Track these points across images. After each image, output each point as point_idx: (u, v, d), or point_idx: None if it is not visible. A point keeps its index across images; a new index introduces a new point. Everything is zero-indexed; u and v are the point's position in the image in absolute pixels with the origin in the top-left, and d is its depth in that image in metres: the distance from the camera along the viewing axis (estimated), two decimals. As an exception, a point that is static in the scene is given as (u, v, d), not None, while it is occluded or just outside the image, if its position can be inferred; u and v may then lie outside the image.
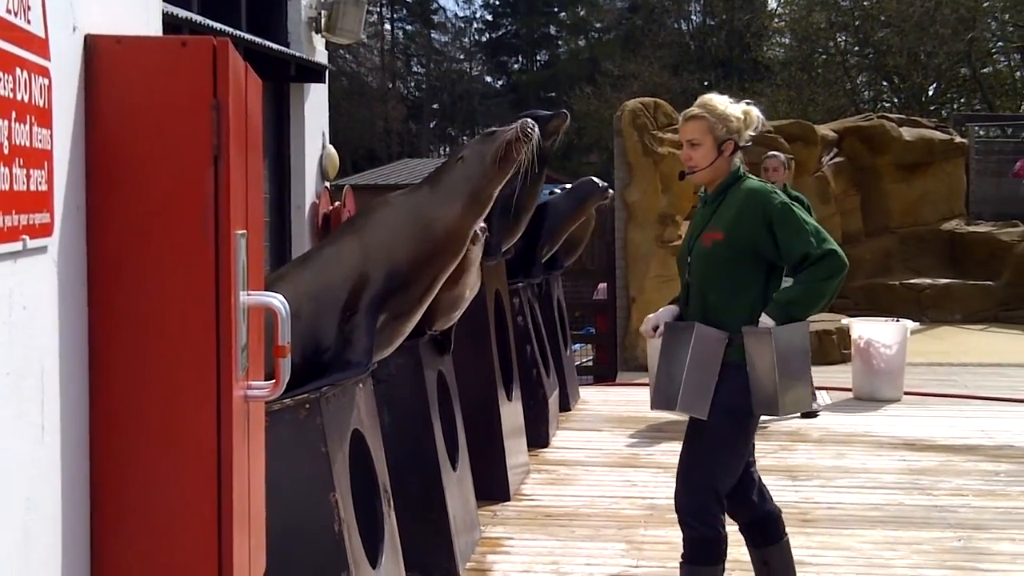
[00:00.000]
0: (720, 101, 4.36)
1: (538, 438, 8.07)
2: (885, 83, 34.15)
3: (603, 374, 13.44)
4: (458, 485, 5.67)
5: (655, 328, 4.37)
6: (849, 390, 10.29)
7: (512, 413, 7.09)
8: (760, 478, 4.51)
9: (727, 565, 4.31)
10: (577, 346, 14.04)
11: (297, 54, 8.19)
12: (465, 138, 48.37)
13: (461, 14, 57.84)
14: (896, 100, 32.65)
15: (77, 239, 2.55)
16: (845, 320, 11.23)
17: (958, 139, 16.50)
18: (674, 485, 4.34)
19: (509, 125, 4.52)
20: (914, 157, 15.78)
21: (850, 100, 32.62)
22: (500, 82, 51.74)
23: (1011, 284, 14.96)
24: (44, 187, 2.36)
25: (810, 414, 9.16)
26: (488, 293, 6.66)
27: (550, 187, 9.32)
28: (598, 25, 49.11)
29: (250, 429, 2.86)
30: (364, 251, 4.38)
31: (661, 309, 4.44)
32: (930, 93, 32.57)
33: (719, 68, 39.10)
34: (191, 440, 2.60)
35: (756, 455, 4.48)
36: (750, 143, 4.41)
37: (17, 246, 2.22)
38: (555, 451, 8.17)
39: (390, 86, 47.07)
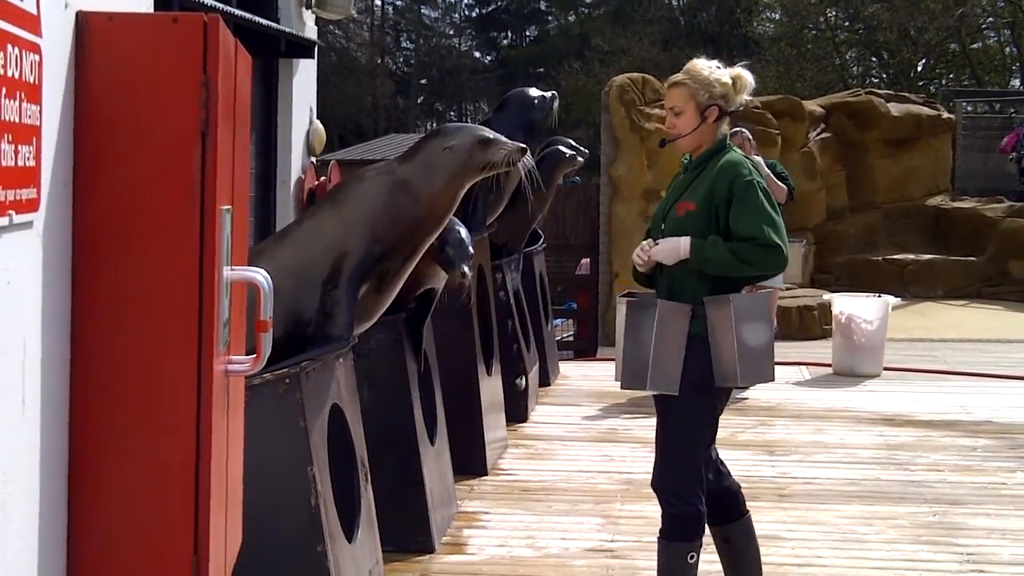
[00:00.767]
0: (705, 66, 4.25)
1: (517, 413, 8.08)
2: (874, 59, 34.14)
3: (584, 349, 13.46)
4: (436, 459, 5.69)
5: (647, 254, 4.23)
6: (829, 365, 10.35)
7: (491, 388, 7.10)
8: (718, 454, 4.45)
9: (703, 540, 4.26)
10: (558, 321, 14.05)
11: (287, 30, 8.18)
12: (452, 114, 48.20)
13: (452, -11, 57.56)
14: (885, 76, 32.63)
15: (63, 214, 2.57)
16: (827, 295, 11.29)
17: (946, 115, 16.51)
18: (652, 460, 4.30)
19: (511, 143, 4.58)
20: (902, 133, 15.78)
21: (839, 76, 32.56)
22: (489, 57, 51.52)
23: (994, 260, 14.97)
24: (32, 163, 2.37)
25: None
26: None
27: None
28: (588, 0, 48.91)
29: (230, 404, 2.89)
30: (345, 225, 4.44)
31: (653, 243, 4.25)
32: (919, 69, 32.56)
33: (709, 44, 38.88)
34: (171, 414, 2.62)
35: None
36: (742, 108, 4.33)
37: (3, 221, 2.24)
38: (534, 426, 8.18)
39: (379, 61, 46.85)
